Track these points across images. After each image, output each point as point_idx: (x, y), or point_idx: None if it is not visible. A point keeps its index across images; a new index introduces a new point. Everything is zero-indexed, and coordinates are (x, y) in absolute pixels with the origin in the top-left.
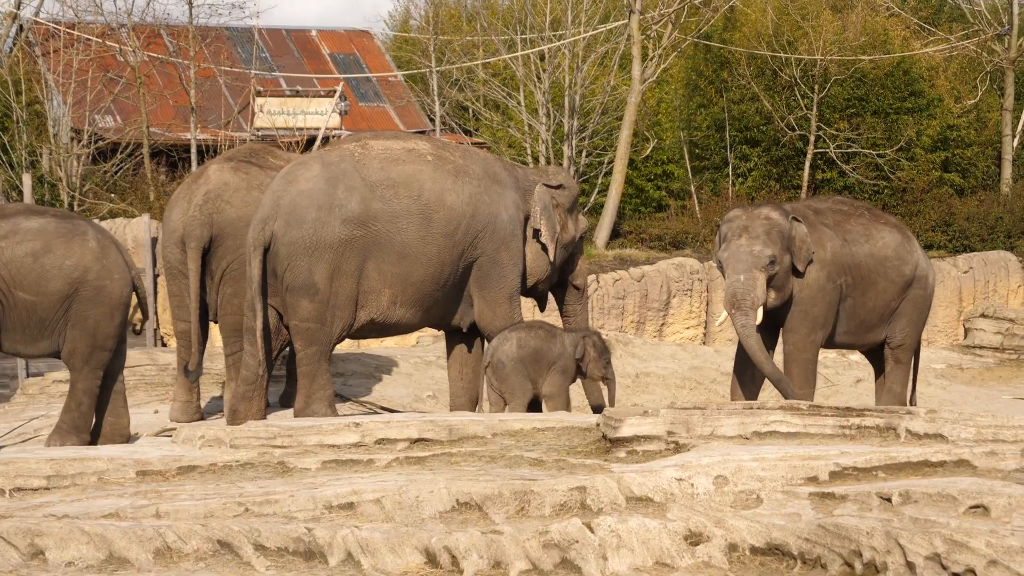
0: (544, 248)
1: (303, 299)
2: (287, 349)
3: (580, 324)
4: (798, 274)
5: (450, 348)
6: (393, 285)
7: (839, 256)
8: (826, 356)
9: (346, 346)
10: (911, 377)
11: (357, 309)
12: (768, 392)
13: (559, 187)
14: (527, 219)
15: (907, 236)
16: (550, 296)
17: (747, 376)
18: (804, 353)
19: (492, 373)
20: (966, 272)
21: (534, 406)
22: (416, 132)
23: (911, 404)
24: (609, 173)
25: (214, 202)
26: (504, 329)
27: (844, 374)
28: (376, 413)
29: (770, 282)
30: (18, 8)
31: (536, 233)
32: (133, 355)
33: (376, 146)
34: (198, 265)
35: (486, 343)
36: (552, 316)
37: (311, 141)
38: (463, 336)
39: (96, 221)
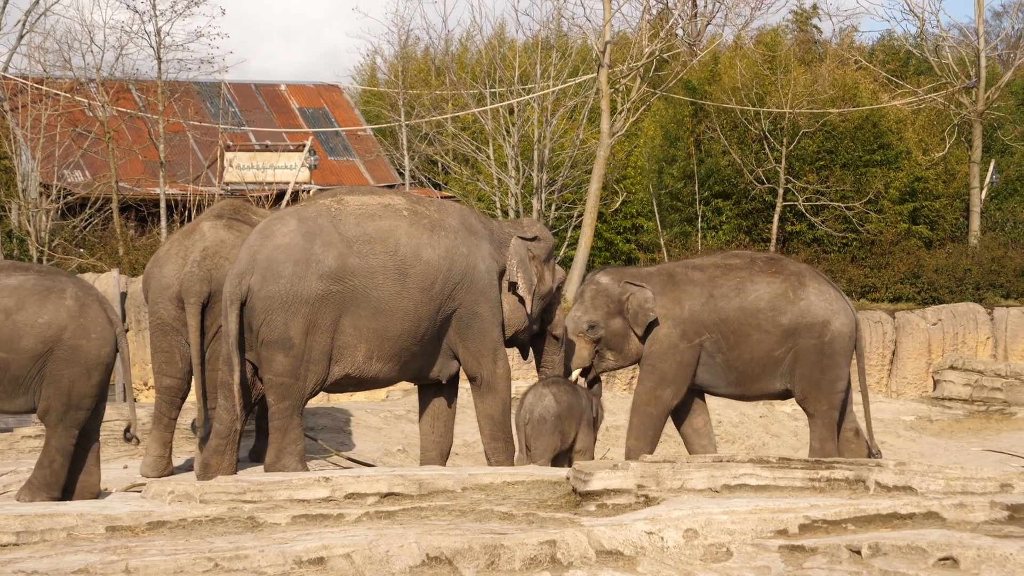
0: (521, 300)
1: (278, 353)
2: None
3: (557, 373)
4: (642, 337)
5: (423, 402)
6: (369, 340)
7: (697, 315)
8: (796, 409)
9: (316, 400)
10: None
11: (331, 364)
12: (737, 444)
13: (534, 239)
14: (502, 272)
15: (797, 285)
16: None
17: (689, 428)
18: (647, 407)
19: (531, 429)
20: (935, 324)
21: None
22: (386, 186)
23: (870, 455)
24: (578, 227)
25: (212, 259)
26: (534, 385)
27: None
28: (346, 467)
29: (606, 344)
30: None
31: (513, 286)
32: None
33: (352, 201)
34: (198, 321)
35: (474, 394)
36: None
37: (280, 195)
38: (436, 390)
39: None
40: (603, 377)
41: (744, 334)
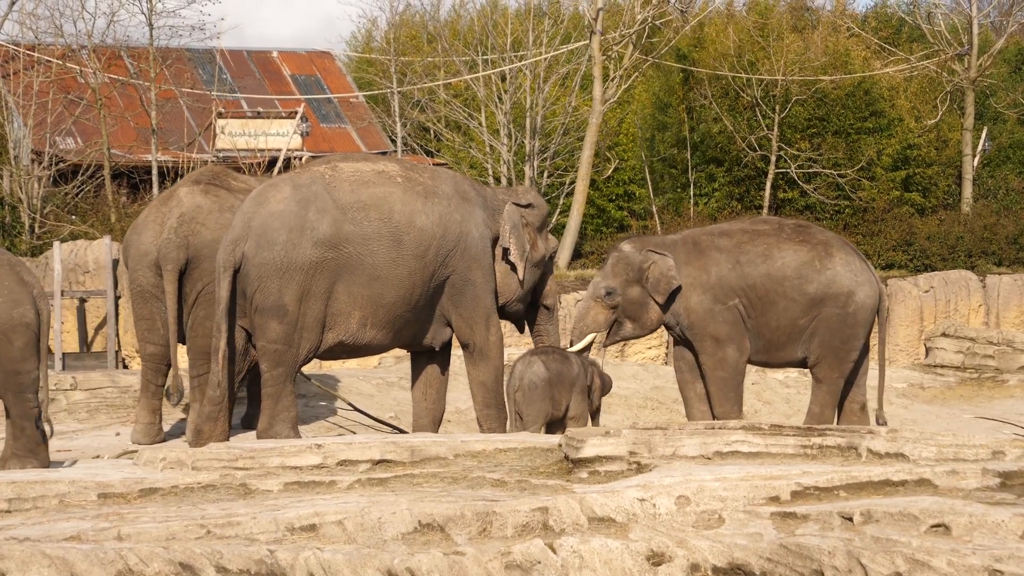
0: (513, 267)
1: (272, 320)
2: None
3: (552, 343)
4: (664, 306)
5: (415, 369)
6: (364, 307)
7: (725, 280)
8: (788, 375)
9: (308, 368)
10: (844, 397)
11: (325, 331)
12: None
13: (528, 206)
14: (495, 240)
15: (824, 254)
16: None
17: (692, 392)
18: (716, 372)
19: (521, 396)
20: (927, 291)
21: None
22: (379, 153)
23: (878, 424)
24: (571, 194)
25: (189, 224)
26: (525, 354)
27: (806, 394)
28: (339, 435)
29: (624, 312)
30: None
31: (505, 252)
32: (94, 377)
33: (346, 168)
34: (175, 287)
35: (466, 360)
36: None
37: (272, 162)
38: (429, 357)
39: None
40: (607, 349)
41: (771, 301)
